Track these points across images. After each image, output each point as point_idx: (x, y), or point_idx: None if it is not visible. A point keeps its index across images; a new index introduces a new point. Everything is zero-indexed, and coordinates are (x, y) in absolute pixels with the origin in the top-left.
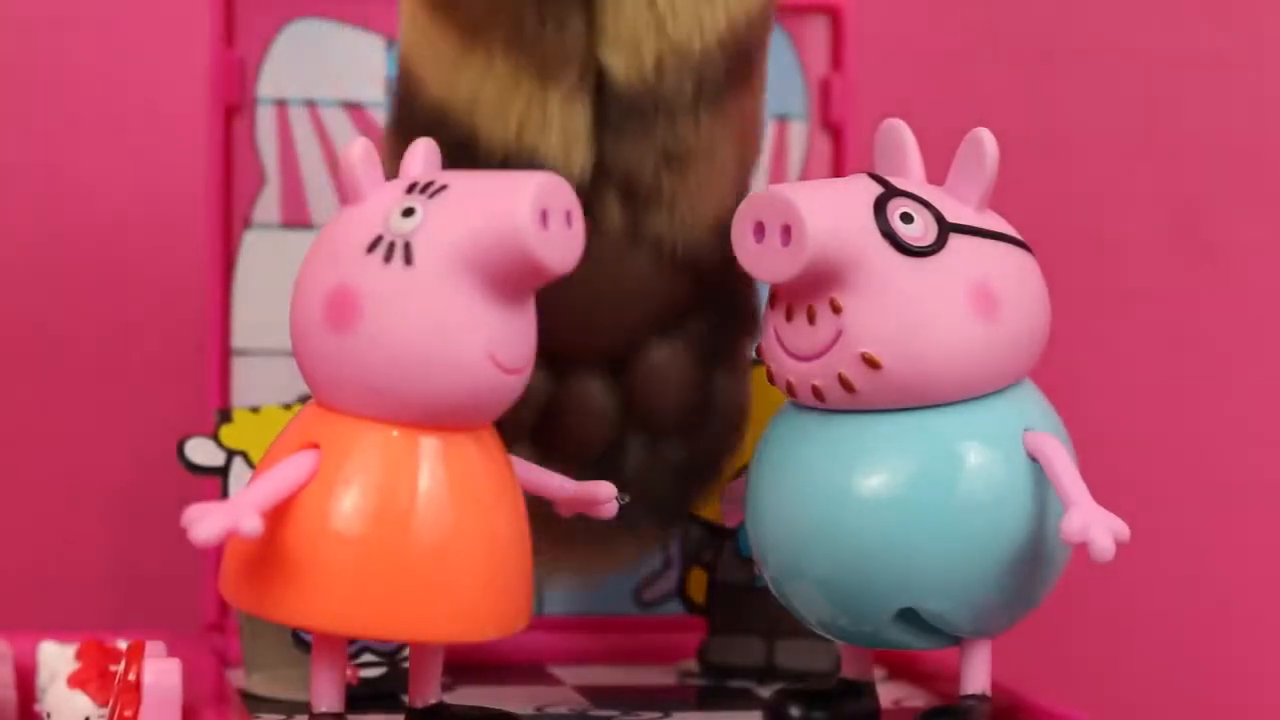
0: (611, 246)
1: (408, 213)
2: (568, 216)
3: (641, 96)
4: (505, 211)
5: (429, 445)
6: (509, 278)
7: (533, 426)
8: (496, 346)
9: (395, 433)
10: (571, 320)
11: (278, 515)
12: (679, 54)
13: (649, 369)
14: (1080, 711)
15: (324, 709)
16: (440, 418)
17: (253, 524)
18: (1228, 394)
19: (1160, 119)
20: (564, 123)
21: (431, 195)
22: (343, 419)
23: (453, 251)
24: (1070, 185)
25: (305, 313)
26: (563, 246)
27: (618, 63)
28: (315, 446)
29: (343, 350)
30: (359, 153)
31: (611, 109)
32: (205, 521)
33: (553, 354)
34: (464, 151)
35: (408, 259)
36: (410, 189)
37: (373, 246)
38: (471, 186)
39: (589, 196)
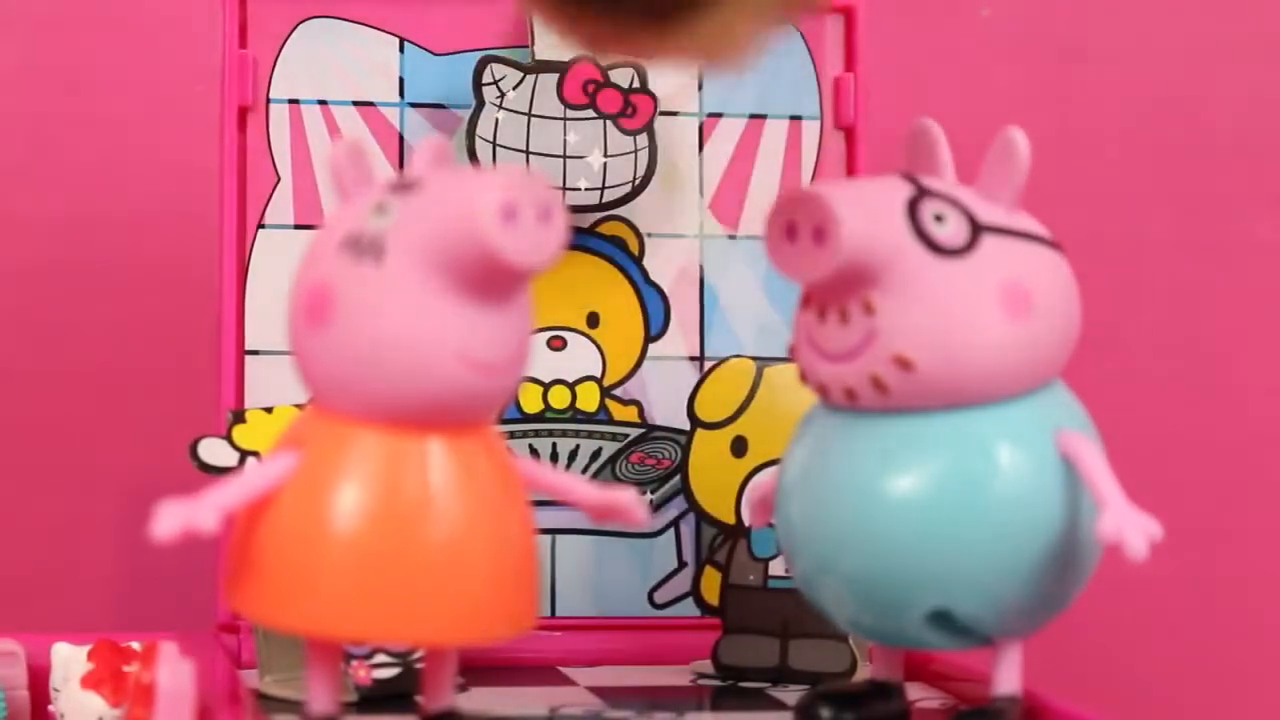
0: None
1: (381, 210)
2: (544, 213)
3: None
4: (467, 209)
5: (426, 447)
6: (477, 276)
7: None
8: (469, 346)
9: (389, 435)
10: None
11: (274, 518)
12: None
13: None
14: (1094, 712)
15: (319, 711)
16: (422, 418)
17: (210, 521)
18: (1243, 394)
19: (1174, 116)
20: None
21: (408, 193)
22: (334, 421)
23: (420, 250)
24: (1082, 184)
25: (292, 310)
26: (534, 244)
27: None
28: (299, 447)
29: (320, 348)
30: (345, 152)
31: None
32: (164, 519)
33: None
34: None
35: (378, 257)
36: (392, 187)
37: (347, 244)
38: (444, 183)
39: None
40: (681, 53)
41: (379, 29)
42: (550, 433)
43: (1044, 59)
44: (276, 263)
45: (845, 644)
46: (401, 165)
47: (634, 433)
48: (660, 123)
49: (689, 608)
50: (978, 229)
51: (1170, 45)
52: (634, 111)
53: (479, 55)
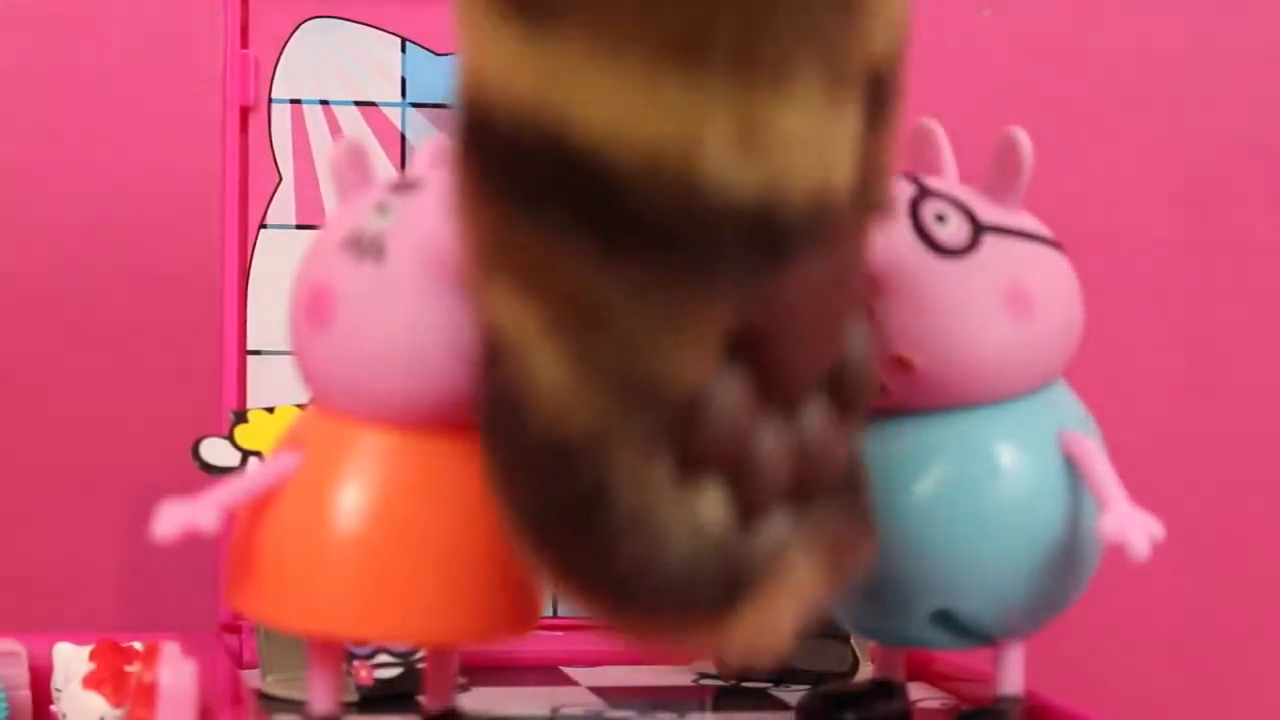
0: (855, 253)
1: (382, 210)
2: None
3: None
4: None
5: (427, 447)
6: None
7: (791, 481)
8: (470, 346)
9: (391, 435)
10: (814, 344)
11: (275, 518)
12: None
13: (858, 360)
14: (1095, 712)
15: (320, 712)
16: (424, 417)
17: (210, 521)
18: (1244, 394)
19: (1175, 116)
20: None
21: (409, 193)
22: (334, 421)
23: (421, 249)
24: (1082, 184)
25: (292, 310)
26: None
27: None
28: (300, 447)
29: (321, 348)
30: (345, 151)
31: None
32: (165, 519)
33: (788, 395)
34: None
35: (378, 257)
36: (393, 186)
37: (347, 244)
38: (445, 183)
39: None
40: (717, 649)
41: (381, 29)
42: None
43: (1045, 59)
44: (278, 263)
45: (847, 644)
46: (404, 166)
47: None
48: None
49: None
50: (979, 229)
51: (1172, 45)
52: None
53: None
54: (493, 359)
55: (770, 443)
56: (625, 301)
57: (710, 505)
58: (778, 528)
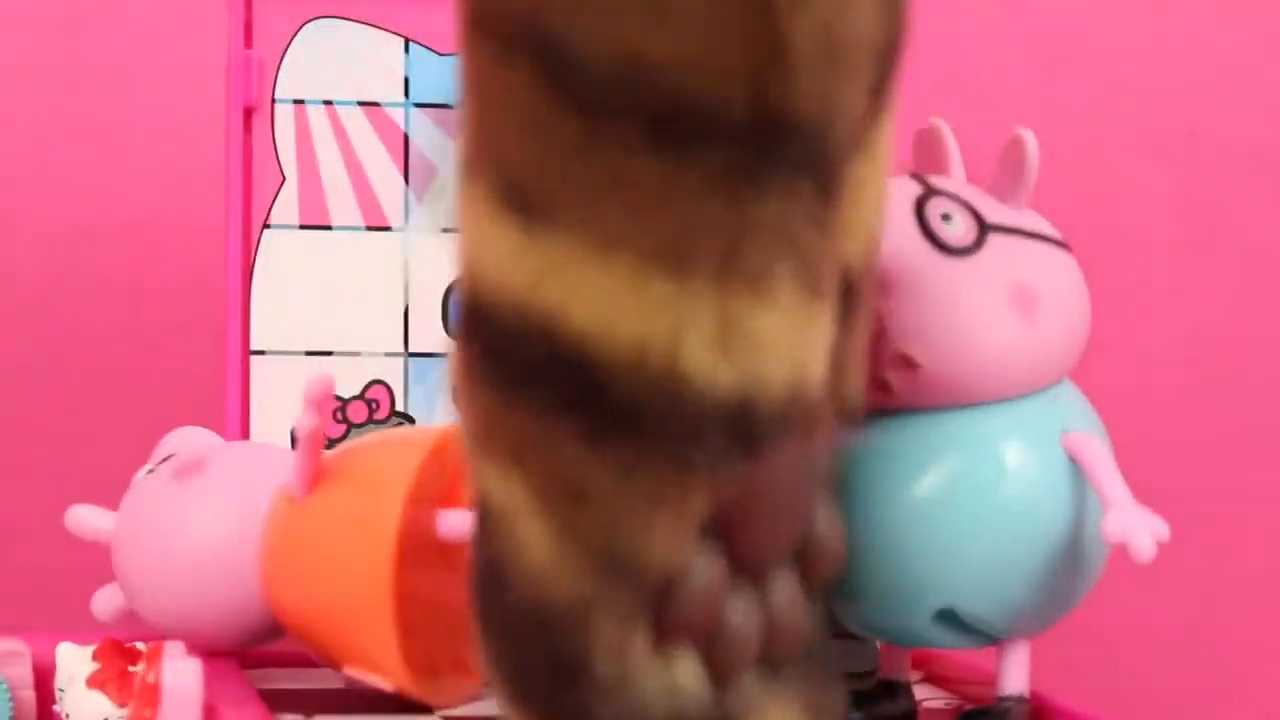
0: (823, 439)
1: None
2: None
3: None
4: None
5: None
6: None
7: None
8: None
9: None
10: (783, 523)
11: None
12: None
13: (822, 536)
14: (1097, 712)
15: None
16: None
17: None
18: (1249, 395)
19: (1182, 116)
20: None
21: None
22: None
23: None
24: (1085, 185)
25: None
26: None
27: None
28: None
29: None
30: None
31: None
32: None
33: (757, 570)
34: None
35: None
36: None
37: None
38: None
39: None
40: None
41: (384, 29)
42: None
43: (1052, 60)
44: (281, 263)
45: (868, 643)
46: (406, 165)
47: None
48: None
49: None
50: (985, 228)
51: (1180, 47)
52: None
53: None
54: (483, 527)
55: (741, 614)
56: (608, 482)
57: (686, 672)
58: (750, 690)
